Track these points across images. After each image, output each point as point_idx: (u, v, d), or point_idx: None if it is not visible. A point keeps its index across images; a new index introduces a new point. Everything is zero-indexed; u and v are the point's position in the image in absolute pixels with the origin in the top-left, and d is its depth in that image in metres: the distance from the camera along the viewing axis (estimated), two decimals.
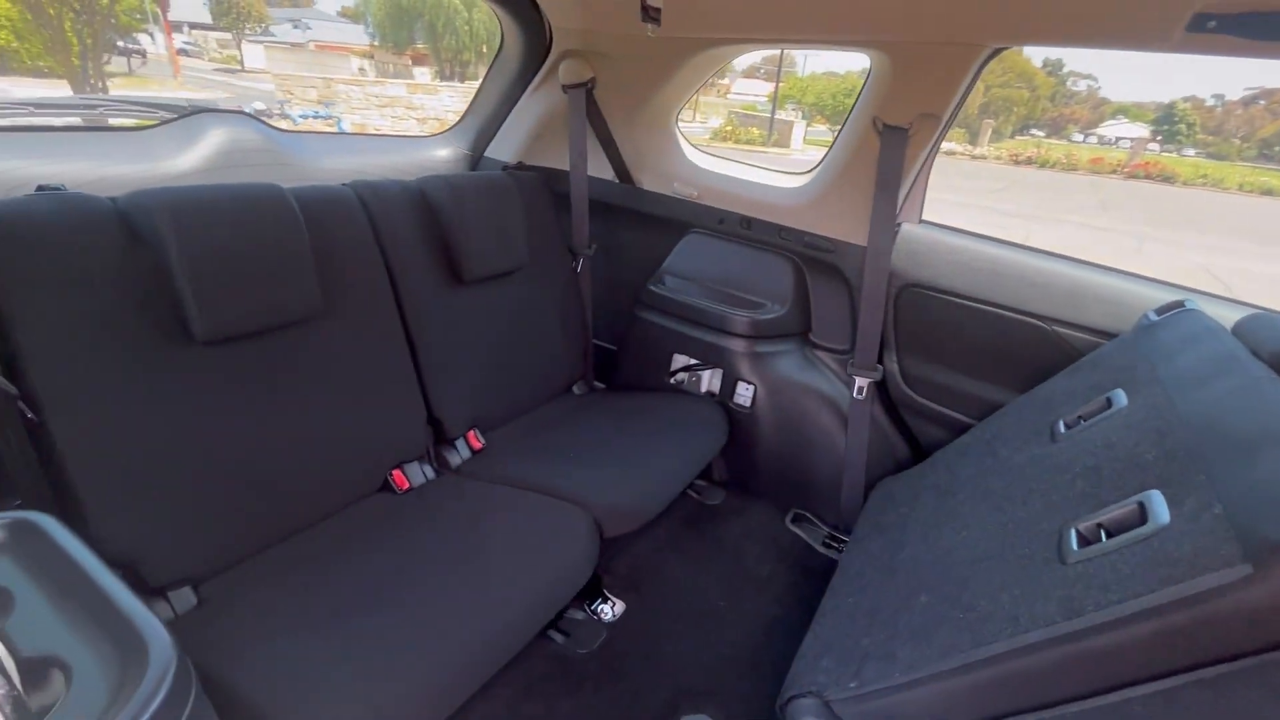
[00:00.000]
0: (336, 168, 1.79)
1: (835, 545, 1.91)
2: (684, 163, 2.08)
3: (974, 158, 26.13)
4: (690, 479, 1.75)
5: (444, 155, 2.15)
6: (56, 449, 1.01)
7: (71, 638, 0.65)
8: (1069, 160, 26.04)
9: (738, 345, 1.97)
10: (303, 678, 0.94)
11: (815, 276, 1.96)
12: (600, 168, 2.13)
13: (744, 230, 2.00)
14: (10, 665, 0.65)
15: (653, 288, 2.11)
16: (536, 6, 1.82)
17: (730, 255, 2.06)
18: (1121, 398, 1.22)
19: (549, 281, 1.98)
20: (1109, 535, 0.92)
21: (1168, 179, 24.03)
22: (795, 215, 1.90)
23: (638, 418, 1.86)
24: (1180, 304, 1.42)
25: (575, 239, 2.07)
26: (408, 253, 1.58)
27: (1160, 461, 0.97)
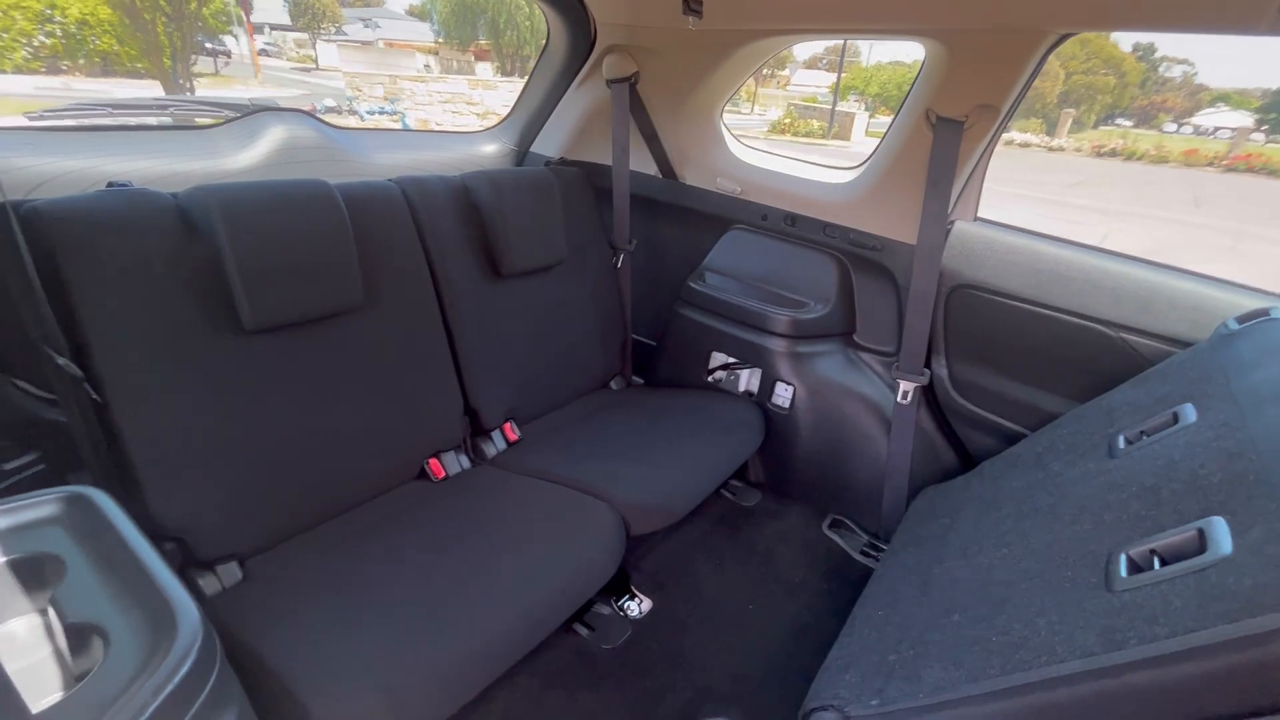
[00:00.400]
0: (387, 163, 1.84)
1: (874, 554, 1.85)
2: (728, 157, 2.05)
3: (1050, 150, 24.61)
4: (722, 480, 1.73)
5: (491, 151, 2.19)
6: (118, 429, 1.08)
7: (112, 607, 0.69)
8: (1159, 152, 24.17)
9: (778, 345, 1.93)
10: (327, 656, 0.98)
11: (861, 275, 1.89)
12: (644, 163, 2.12)
13: (788, 227, 1.95)
14: (59, 629, 0.71)
15: (692, 284, 2.09)
16: (581, 2, 1.82)
17: (773, 252, 2.01)
18: (1190, 413, 1.13)
19: (589, 277, 1.99)
20: (1163, 563, 0.85)
21: (1274, 172, 21.99)
22: (841, 212, 1.84)
23: (672, 416, 1.85)
24: (1265, 312, 1.29)
25: (616, 234, 2.07)
26: (449, 247, 1.62)
27: (1226, 485, 0.88)
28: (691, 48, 1.83)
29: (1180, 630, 0.71)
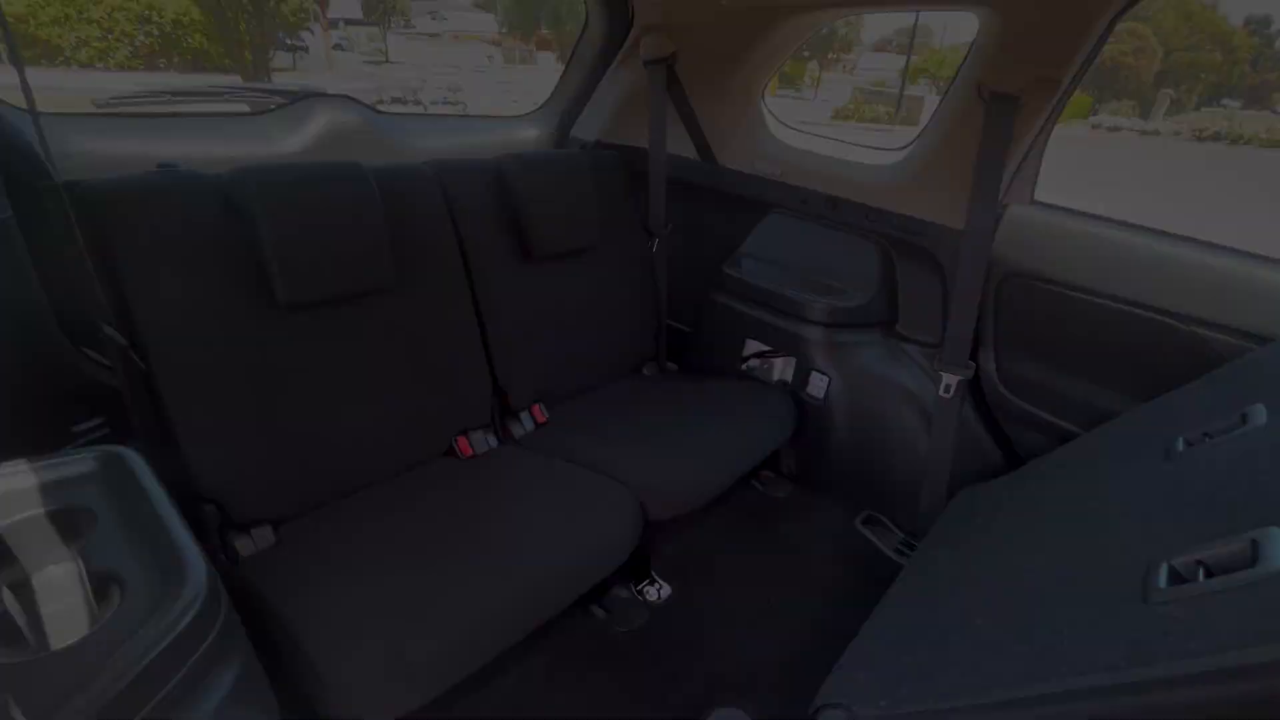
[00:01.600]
0: (430, 147, 1.88)
1: (908, 552, 1.77)
2: (768, 139, 1.98)
3: (1143, 134, 22.73)
4: (747, 470, 1.70)
5: (531, 135, 2.20)
6: (160, 394, 1.15)
7: (131, 558, 0.74)
8: (1270, 135, 21.96)
9: (814, 333, 1.87)
10: (341, 618, 1.02)
11: (905, 262, 1.80)
12: (682, 145, 2.09)
13: (828, 211, 1.88)
14: (85, 577, 0.76)
15: (728, 270, 2.05)
16: None
17: (812, 238, 1.94)
18: (1261, 414, 1.02)
19: (622, 261, 1.98)
20: (1209, 574, 0.77)
21: None
22: (885, 195, 1.76)
23: (701, 403, 1.82)
24: None
25: (652, 218, 2.05)
26: (480, 229, 1.64)
27: None
28: (729, 26, 1.77)
29: (1217, 648, 0.64)
